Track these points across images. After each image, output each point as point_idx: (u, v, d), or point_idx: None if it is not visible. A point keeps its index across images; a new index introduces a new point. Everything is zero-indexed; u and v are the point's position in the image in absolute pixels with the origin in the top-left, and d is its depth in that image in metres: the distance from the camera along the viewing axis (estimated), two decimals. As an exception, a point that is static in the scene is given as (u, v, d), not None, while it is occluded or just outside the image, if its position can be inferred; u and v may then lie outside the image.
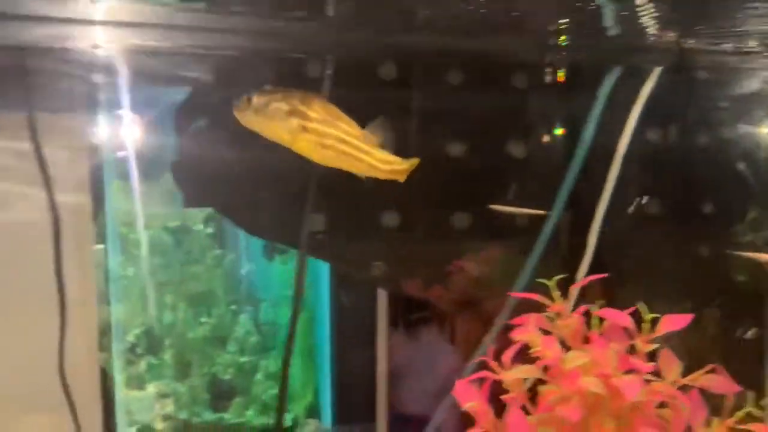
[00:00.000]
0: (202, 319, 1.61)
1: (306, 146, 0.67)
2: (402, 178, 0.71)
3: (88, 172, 0.85)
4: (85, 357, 0.88)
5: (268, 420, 1.57)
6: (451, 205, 0.94)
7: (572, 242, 0.87)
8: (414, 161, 0.72)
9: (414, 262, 0.95)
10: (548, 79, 0.94)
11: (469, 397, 0.53)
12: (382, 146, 0.71)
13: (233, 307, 1.65)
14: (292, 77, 0.84)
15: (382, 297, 1.06)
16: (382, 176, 0.70)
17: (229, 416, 1.55)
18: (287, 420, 1.60)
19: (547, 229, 0.89)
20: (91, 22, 0.69)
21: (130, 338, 1.56)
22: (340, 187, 0.75)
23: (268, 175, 0.73)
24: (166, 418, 1.54)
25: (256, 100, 0.66)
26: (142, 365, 1.57)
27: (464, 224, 0.94)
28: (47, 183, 0.78)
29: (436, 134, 0.89)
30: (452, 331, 1.08)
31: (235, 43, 0.73)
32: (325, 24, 0.77)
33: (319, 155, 0.68)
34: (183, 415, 1.54)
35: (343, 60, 0.80)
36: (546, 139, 0.96)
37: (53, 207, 0.77)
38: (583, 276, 0.84)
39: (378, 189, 0.69)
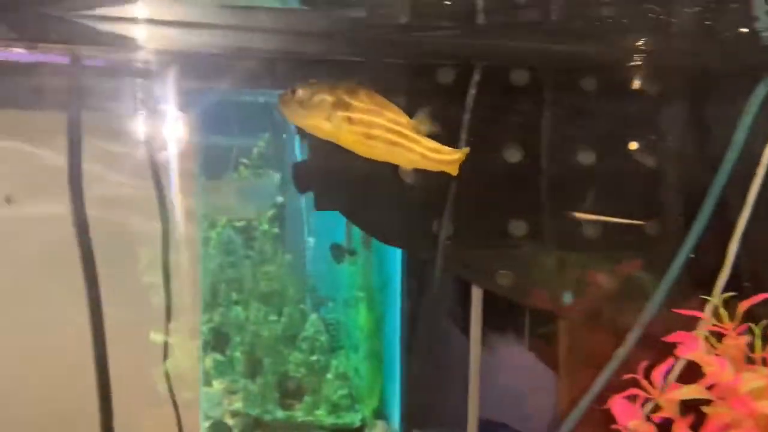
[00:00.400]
0: (272, 318, 1.63)
1: (351, 138, 0.65)
2: (454, 171, 0.67)
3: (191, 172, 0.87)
4: (187, 357, 0.91)
5: (338, 420, 1.58)
6: (581, 214, 0.92)
7: (706, 256, 0.84)
8: (464, 151, 0.68)
9: (542, 272, 0.93)
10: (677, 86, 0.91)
11: (629, 415, 0.51)
12: (430, 137, 0.67)
13: (303, 306, 1.67)
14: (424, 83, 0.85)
15: (476, 300, 1.04)
16: (431, 167, 0.67)
17: (299, 414, 1.57)
18: (355, 420, 1.61)
19: (690, 241, 0.83)
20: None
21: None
22: (468, 194, 0.75)
23: (396, 180, 0.73)
24: (235, 414, 1.57)
25: (301, 92, 0.65)
26: (208, 362, 1.60)
27: (595, 234, 0.91)
28: (157, 184, 0.80)
29: (567, 141, 0.88)
30: (564, 343, 1.05)
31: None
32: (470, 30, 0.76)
33: (365, 147, 0.66)
34: (253, 412, 1.56)
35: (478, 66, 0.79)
36: (675, 148, 0.91)
37: (164, 207, 0.79)
38: (720, 292, 0.78)
39: (506, 196, 0.67)
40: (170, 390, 0.87)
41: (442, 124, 0.65)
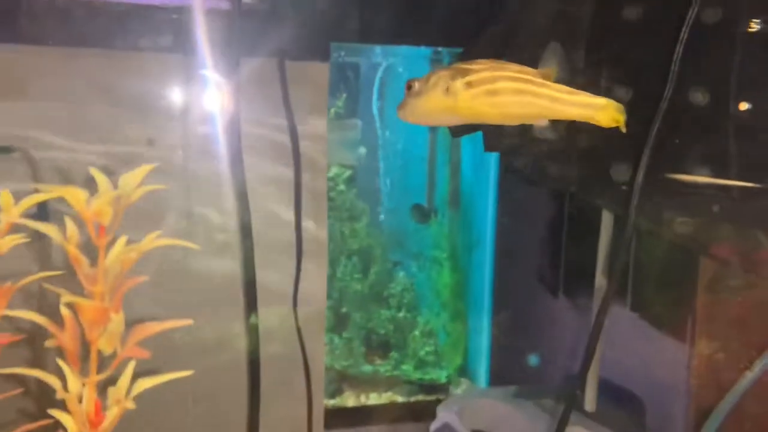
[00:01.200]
0: (358, 275, 1.65)
1: (475, 102, 0.58)
2: (604, 121, 0.57)
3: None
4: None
5: (424, 375, 1.61)
6: None
7: None
8: (618, 107, 0.57)
9: (725, 222, 0.89)
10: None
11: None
12: (562, 81, 0.59)
13: (389, 264, 1.69)
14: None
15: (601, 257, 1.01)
16: (570, 114, 0.58)
17: (385, 369, 1.60)
18: (441, 377, 1.63)
19: None
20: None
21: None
22: (646, 136, 0.72)
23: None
24: (322, 368, 1.61)
25: (416, 84, 0.61)
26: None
27: None
28: (293, 133, 0.82)
29: (758, 84, 0.83)
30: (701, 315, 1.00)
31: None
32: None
33: (491, 108, 0.59)
34: (339, 366, 1.60)
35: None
36: None
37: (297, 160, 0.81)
38: None
39: (690, 141, 0.64)
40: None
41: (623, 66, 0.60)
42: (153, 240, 0.41)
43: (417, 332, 1.63)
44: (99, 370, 0.42)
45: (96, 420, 0.40)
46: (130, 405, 0.39)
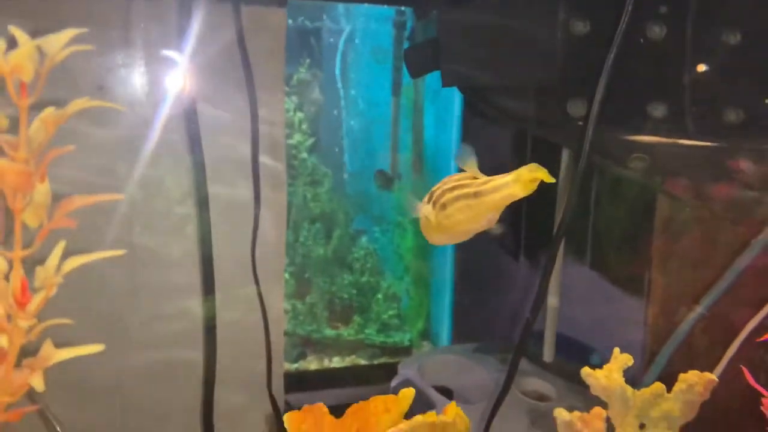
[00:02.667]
0: (321, 240, 1.65)
1: (439, 221, 0.60)
2: (521, 190, 0.56)
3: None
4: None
5: (387, 339, 1.61)
6: (724, 97, 0.85)
7: None
8: (529, 167, 0.56)
9: (680, 157, 0.89)
10: None
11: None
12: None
13: (352, 229, 1.68)
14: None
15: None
16: (498, 201, 0.57)
17: (348, 333, 1.60)
18: (404, 340, 1.64)
19: None
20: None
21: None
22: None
23: (529, 58, 0.69)
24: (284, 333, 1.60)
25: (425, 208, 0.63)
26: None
27: (738, 120, 0.85)
28: (250, 82, 0.81)
29: (713, 19, 0.82)
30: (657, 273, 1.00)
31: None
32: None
33: (446, 220, 0.60)
34: (302, 331, 1.59)
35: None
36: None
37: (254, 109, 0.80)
38: None
39: (647, 76, 0.63)
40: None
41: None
42: (78, 103, 0.39)
43: (380, 296, 1.63)
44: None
45: (23, 299, 0.39)
46: (59, 279, 0.38)
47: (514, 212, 1.62)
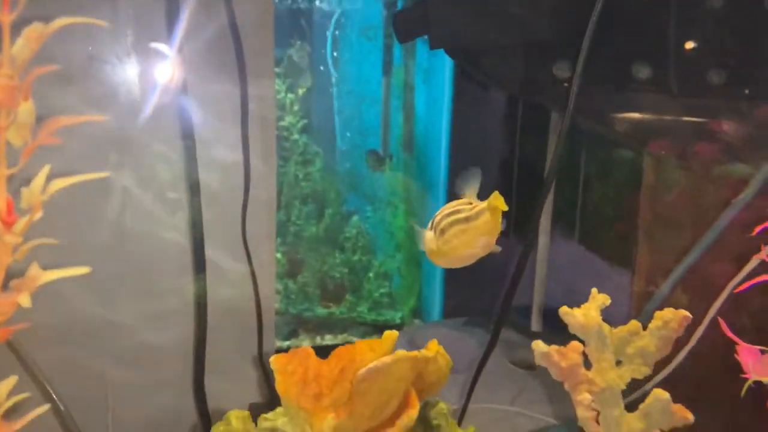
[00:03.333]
0: (313, 219, 1.66)
1: (441, 248, 0.61)
2: (492, 218, 0.59)
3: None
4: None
5: (378, 317, 1.63)
6: (708, 59, 0.86)
7: None
8: (494, 195, 0.60)
9: (664, 118, 0.91)
10: None
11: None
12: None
13: (344, 209, 1.69)
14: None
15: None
16: (482, 226, 0.60)
17: (340, 312, 1.61)
18: (395, 318, 1.65)
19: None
20: None
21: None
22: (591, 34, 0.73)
23: (516, 16, 0.69)
24: (276, 312, 1.61)
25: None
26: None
27: (720, 81, 0.86)
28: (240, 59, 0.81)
29: None
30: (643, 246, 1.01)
31: None
32: None
33: (446, 246, 0.61)
34: (294, 310, 1.60)
35: None
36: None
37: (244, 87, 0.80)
38: None
39: (631, 38, 0.63)
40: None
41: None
42: (62, 21, 0.40)
43: (371, 275, 1.64)
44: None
45: (8, 220, 0.39)
46: (45, 197, 0.39)
47: (504, 190, 1.62)
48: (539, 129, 1.44)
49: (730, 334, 0.63)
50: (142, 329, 0.96)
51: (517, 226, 1.58)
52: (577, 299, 1.37)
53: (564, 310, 0.60)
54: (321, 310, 1.61)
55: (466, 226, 0.60)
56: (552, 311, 1.38)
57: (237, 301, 1.04)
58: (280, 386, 0.59)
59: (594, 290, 0.61)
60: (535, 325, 1.30)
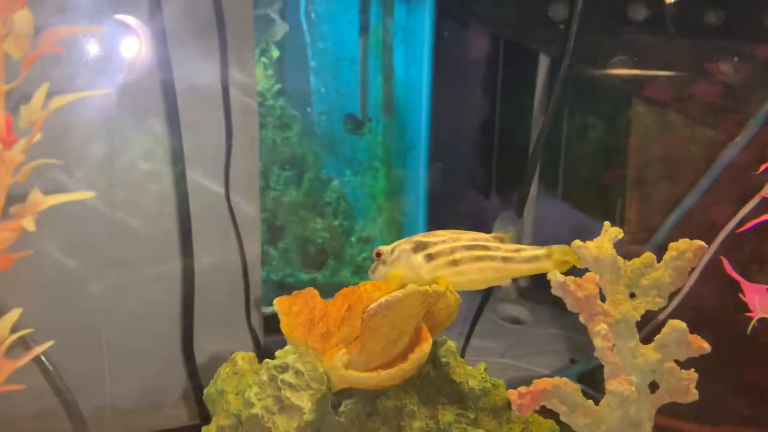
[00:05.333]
0: (292, 184, 1.63)
1: (438, 273, 0.62)
2: (552, 267, 0.60)
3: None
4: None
5: (362, 280, 1.61)
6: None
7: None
8: (562, 248, 0.60)
9: (660, 60, 0.88)
10: None
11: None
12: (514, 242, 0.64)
13: (323, 173, 1.66)
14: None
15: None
16: (525, 271, 0.62)
17: (323, 276, 1.59)
18: (379, 282, 1.64)
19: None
20: None
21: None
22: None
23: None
24: (259, 279, 1.58)
25: (383, 251, 0.66)
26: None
27: (717, 21, 0.85)
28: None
29: None
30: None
31: None
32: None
33: (456, 276, 0.62)
34: (276, 277, 1.57)
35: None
36: None
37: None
38: None
39: None
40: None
41: None
42: None
43: (353, 239, 1.62)
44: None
45: (8, 139, 0.37)
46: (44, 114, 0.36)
47: (485, 151, 1.62)
48: (523, 86, 1.43)
49: (733, 274, 0.63)
50: (133, 291, 0.95)
51: (499, 186, 1.58)
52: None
53: (577, 243, 0.58)
54: (304, 276, 1.59)
55: (501, 265, 0.61)
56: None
57: (223, 261, 1.03)
58: (285, 327, 0.58)
59: (606, 223, 0.60)
60: (522, 280, 1.30)
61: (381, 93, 1.64)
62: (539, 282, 1.37)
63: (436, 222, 1.59)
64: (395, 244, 0.66)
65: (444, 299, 0.59)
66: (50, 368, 0.79)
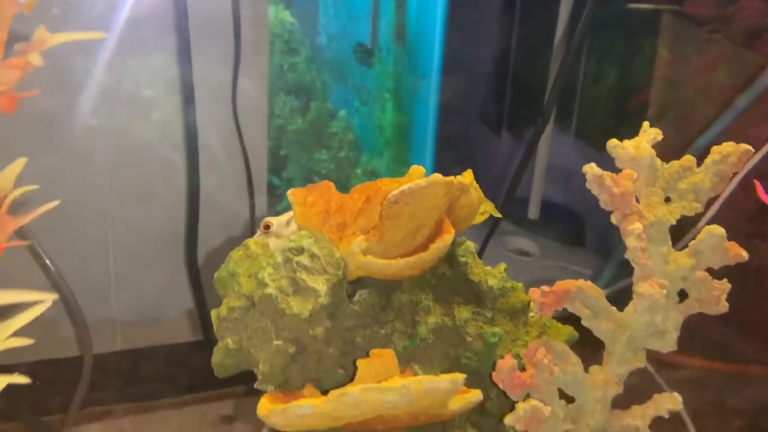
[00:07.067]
0: (298, 113, 1.58)
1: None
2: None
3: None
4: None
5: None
6: None
7: None
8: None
9: None
10: None
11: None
12: None
13: (330, 103, 1.62)
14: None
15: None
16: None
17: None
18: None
19: None
20: None
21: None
22: None
23: None
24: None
25: (275, 225, 0.61)
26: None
27: None
28: None
29: None
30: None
31: None
32: None
33: None
34: (280, 208, 1.54)
35: None
36: None
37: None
38: None
39: None
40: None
41: None
42: None
43: (359, 171, 1.58)
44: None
45: None
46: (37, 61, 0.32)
47: (498, 87, 1.57)
48: (543, 16, 1.37)
49: (764, 197, 0.59)
50: (139, 206, 0.95)
51: (510, 123, 1.53)
52: (575, 187, 1.34)
53: (613, 143, 0.55)
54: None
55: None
56: (549, 201, 1.36)
57: (228, 177, 1.01)
58: (300, 218, 0.54)
59: (645, 123, 0.56)
60: (533, 212, 1.27)
61: (393, 20, 1.58)
62: (548, 215, 1.35)
63: (443, 158, 1.55)
64: (288, 214, 0.61)
65: (467, 195, 0.56)
66: (52, 268, 0.76)
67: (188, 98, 0.90)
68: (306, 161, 1.57)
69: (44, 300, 0.39)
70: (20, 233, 0.77)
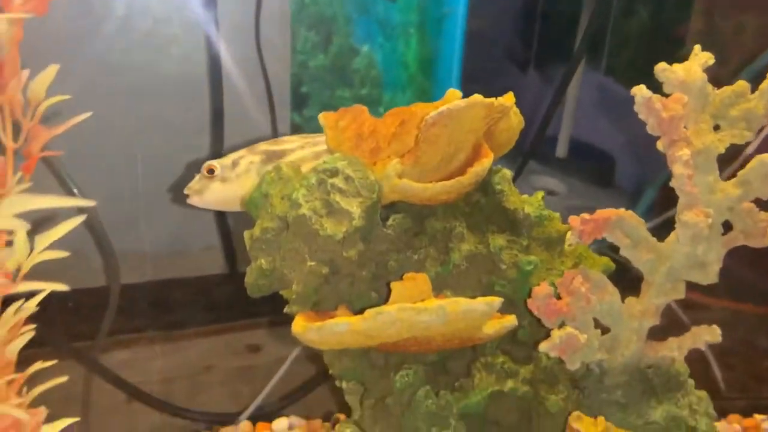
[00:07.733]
0: (320, 48, 1.54)
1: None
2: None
3: None
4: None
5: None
6: None
7: None
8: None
9: None
10: None
11: None
12: None
13: (353, 38, 1.57)
14: None
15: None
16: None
17: (347, 147, 1.54)
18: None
19: None
20: None
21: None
22: None
23: None
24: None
25: (218, 168, 0.57)
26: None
27: None
28: None
29: None
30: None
31: None
32: None
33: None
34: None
35: None
36: None
37: None
38: None
39: None
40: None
41: None
42: None
43: (382, 109, 1.55)
44: None
45: None
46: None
47: (526, 23, 1.52)
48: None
49: None
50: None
51: (539, 60, 1.48)
52: (602, 127, 1.31)
53: (662, 66, 0.52)
54: (325, 146, 1.54)
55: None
56: (576, 140, 1.33)
57: (252, 112, 0.99)
58: (332, 142, 0.53)
59: (697, 46, 0.53)
60: (561, 150, 1.25)
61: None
62: (575, 154, 1.32)
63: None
64: (234, 156, 0.58)
65: (507, 119, 0.54)
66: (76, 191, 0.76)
67: (212, 34, 0.90)
68: (327, 99, 1.54)
69: (85, 204, 0.38)
70: (50, 163, 0.76)
